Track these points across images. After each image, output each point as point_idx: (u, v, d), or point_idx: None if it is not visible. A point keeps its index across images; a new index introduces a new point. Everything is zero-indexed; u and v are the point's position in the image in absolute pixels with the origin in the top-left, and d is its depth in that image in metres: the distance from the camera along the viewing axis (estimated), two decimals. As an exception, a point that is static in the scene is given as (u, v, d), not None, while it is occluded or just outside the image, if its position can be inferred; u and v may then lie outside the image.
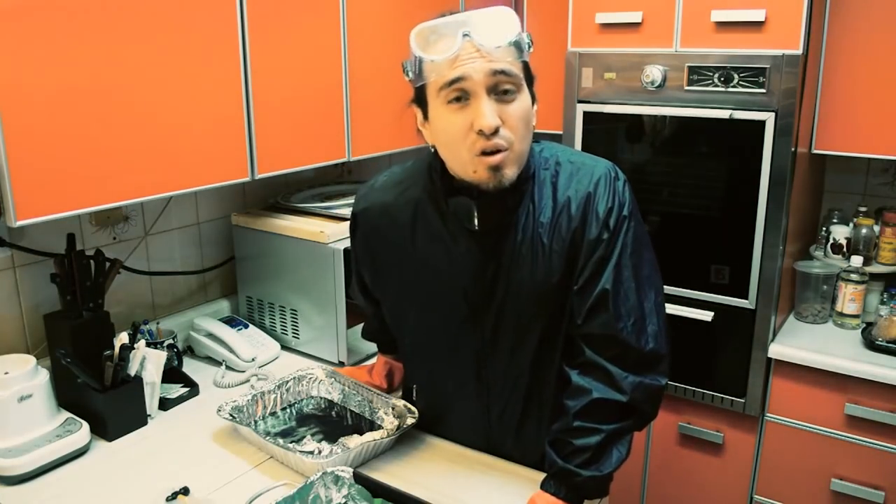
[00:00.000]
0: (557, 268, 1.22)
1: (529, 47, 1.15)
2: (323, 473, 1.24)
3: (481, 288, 1.26)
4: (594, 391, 1.20)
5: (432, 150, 1.23)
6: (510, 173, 1.15)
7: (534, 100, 1.19)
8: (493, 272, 1.25)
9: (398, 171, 1.38)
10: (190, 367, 1.81)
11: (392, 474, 1.35)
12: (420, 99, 1.20)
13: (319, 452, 1.36)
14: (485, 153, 1.12)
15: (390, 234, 1.33)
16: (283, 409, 1.57)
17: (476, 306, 1.28)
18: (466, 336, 1.31)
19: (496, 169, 1.13)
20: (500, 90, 1.12)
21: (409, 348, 1.45)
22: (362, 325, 1.71)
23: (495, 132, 1.11)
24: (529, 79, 1.18)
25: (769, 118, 1.89)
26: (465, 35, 1.10)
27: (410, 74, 1.17)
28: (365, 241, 1.40)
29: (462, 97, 1.12)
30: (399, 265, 1.34)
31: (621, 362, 1.21)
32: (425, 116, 1.20)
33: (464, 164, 1.16)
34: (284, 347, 1.94)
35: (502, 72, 1.10)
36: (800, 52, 1.84)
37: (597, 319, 1.21)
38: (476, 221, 1.21)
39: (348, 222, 1.44)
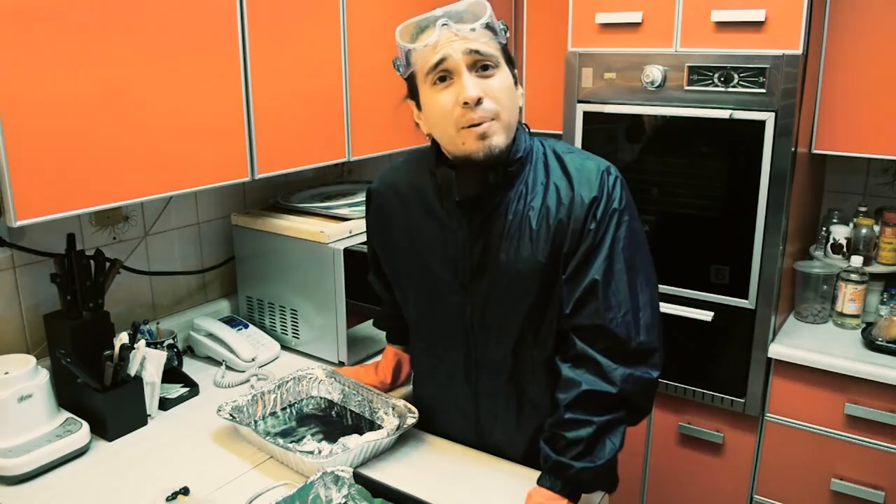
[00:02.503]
0: (542, 251, 1.26)
1: (505, 31, 1.24)
2: (323, 473, 1.25)
3: (471, 264, 1.31)
4: (583, 383, 1.22)
5: (428, 138, 1.31)
6: (498, 141, 1.21)
7: (516, 81, 1.26)
8: (482, 250, 1.30)
9: (412, 153, 1.47)
10: (190, 367, 1.81)
11: (392, 474, 1.35)
12: (412, 90, 1.28)
13: (319, 452, 1.36)
14: (472, 125, 1.19)
15: (395, 210, 1.41)
16: (283, 409, 1.57)
17: (466, 283, 1.32)
18: (456, 315, 1.35)
19: (483, 137, 1.20)
20: (479, 66, 1.20)
21: (412, 328, 1.50)
22: (364, 322, 1.71)
23: (479, 103, 1.18)
24: (509, 60, 1.25)
25: (769, 118, 1.89)
26: (443, 24, 1.20)
27: (401, 68, 1.27)
28: (374, 217, 1.49)
29: (446, 76, 1.20)
30: (401, 241, 1.41)
31: (612, 354, 1.23)
32: (419, 107, 1.28)
33: (453, 138, 1.23)
34: (284, 347, 1.94)
35: (478, 51, 1.19)
36: (800, 52, 1.84)
37: (586, 310, 1.23)
38: (456, 191, 1.26)
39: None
